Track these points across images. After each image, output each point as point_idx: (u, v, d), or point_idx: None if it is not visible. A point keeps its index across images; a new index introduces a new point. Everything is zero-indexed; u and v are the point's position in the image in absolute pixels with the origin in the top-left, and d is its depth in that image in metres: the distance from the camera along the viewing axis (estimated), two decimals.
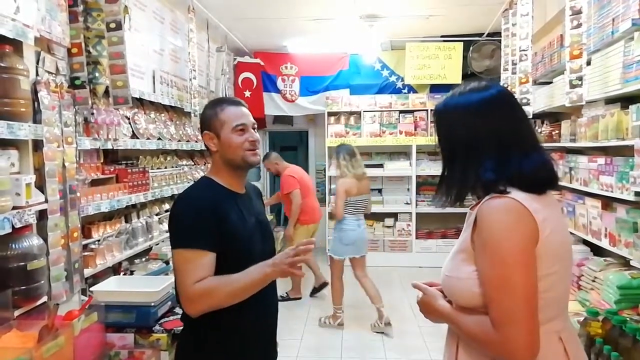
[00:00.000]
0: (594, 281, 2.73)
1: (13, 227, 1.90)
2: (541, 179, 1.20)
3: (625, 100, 2.67)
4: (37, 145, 2.21)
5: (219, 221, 1.51)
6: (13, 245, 1.95)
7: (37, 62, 2.29)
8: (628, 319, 2.07)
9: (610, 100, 2.88)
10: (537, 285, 1.10)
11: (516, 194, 1.13)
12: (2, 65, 1.94)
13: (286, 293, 5.08)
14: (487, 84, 1.28)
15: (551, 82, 3.82)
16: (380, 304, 4.27)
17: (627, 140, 2.52)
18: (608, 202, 2.86)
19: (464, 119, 1.23)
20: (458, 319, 1.21)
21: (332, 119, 6.80)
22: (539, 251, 1.10)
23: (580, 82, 2.98)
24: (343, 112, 6.80)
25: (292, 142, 9.12)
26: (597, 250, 3.09)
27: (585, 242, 3.14)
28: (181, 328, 1.70)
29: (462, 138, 1.23)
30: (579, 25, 2.97)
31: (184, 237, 1.50)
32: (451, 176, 1.27)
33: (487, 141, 1.20)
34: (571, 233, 2.99)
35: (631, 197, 2.43)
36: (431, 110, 6.49)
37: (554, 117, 4.09)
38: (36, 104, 2.18)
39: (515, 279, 1.08)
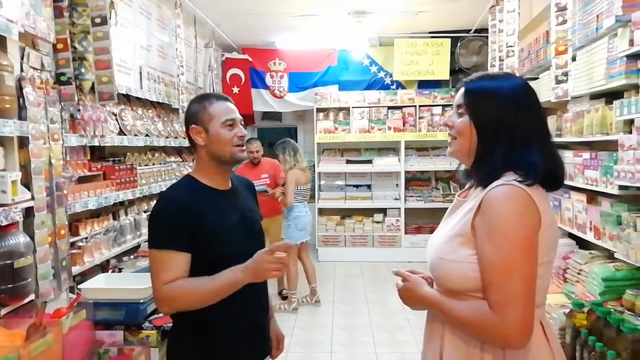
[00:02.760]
0: (579, 274, 2.77)
1: None
2: (560, 174, 1.24)
3: (610, 96, 2.70)
4: (23, 142, 2.19)
5: (196, 222, 1.50)
6: None
7: (22, 58, 2.26)
8: (612, 310, 2.11)
9: (595, 96, 2.92)
10: (537, 272, 1.13)
11: (522, 184, 1.15)
12: None
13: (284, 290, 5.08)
14: (510, 73, 1.30)
15: (537, 78, 3.86)
16: (315, 283, 4.88)
17: (612, 135, 2.56)
18: (593, 196, 2.90)
19: (503, 105, 1.23)
20: (447, 304, 1.22)
21: (321, 115, 6.81)
22: (539, 240, 1.14)
23: (565, 78, 3.02)
24: (332, 108, 6.80)
25: (281, 139, 9.09)
26: (583, 244, 3.14)
27: (571, 236, 3.19)
28: (170, 325, 1.69)
29: (501, 123, 1.22)
30: (564, 22, 3.01)
31: (158, 238, 1.50)
32: (489, 159, 1.24)
33: (523, 128, 1.21)
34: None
35: (615, 191, 2.47)
36: (420, 106, 6.57)
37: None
38: (21, 100, 2.15)
39: (521, 264, 1.11)
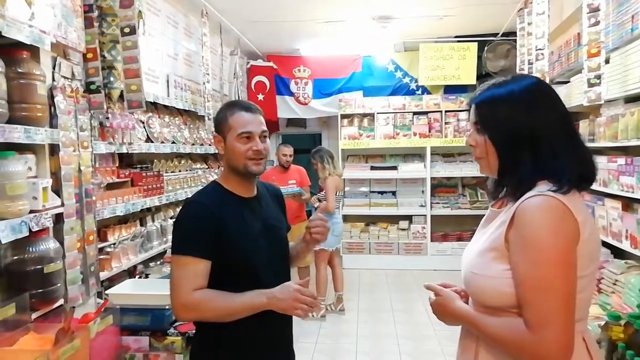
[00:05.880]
0: (615, 284, 2.67)
1: (30, 230, 1.92)
2: (591, 174, 1.18)
3: None
4: (54, 149, 2.24)
5: (219, 229, 1.49)
6: (30, 249, 1.97)
7: (54, 68, 2.32)
8: None
9: (630, 99, 2.82)
10: (576, 286, 1.08)
11: (557, 194, 1.09)
12: (20, 70, 1.96)
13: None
14: (519, 74, 1.24)
15: (568, 82, 3.76)
16: (342, 291, 4.83)
17: None
18: (629, 203, 2.79)
19: (517, 111, 1.17)
20: (481, 321, 1.17)
21: (346, 121, 6.79)
22: (578, 252, 1.08)
23: (598, 81, 2.93)
24: (356, 114, 6.77)
25: (305, 145, 9.12)
26: (618, 253, 3.02)
27: (606, 244, 3.07)
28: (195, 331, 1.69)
29: (518, 131, 1.16)
30: (597, 23, 2.92)
31: (181, 244, 1.50)
32: (515, 169, 1.17)
33: (544, 131, 1.15)
34: None
35: None
36: (446, 111, 6.48)
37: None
38: (52, 108, 2.21)
39: (558, 279, 1.05)
